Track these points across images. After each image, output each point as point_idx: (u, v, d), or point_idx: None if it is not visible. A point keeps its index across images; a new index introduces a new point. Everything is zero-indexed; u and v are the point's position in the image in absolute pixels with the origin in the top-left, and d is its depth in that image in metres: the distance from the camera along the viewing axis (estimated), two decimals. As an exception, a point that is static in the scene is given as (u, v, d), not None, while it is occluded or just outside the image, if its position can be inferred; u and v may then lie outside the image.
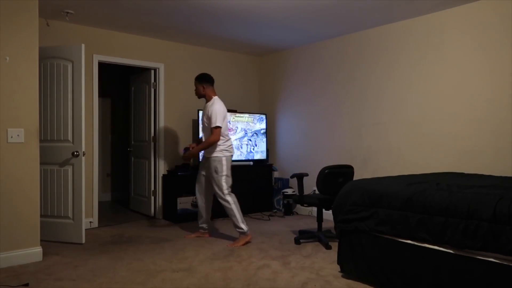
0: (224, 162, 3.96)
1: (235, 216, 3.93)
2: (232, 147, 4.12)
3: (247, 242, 3.97)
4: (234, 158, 5.53)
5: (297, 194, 4.15)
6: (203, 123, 4.14)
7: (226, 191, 3.95)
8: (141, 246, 3.88)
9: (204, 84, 4.10)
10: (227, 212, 3.98)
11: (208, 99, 4.10)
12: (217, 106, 3.97)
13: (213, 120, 3.90)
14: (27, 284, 2.83)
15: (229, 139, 4.09)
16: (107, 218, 5.25)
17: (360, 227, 2.87)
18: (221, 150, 3.97)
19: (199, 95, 4.15)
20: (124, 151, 6.65)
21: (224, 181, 3.94)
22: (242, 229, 3.94)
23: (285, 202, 5.58)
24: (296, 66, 5.80)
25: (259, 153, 5.88)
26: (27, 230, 3.39)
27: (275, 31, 4.93)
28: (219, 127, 3.91)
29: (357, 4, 3.99)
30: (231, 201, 3.95)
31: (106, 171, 6.87)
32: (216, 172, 3.95)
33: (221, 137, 3.95)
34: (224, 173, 3.95)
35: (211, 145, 3.94)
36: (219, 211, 5.27)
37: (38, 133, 3.48)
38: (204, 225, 4.27)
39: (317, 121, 5.47)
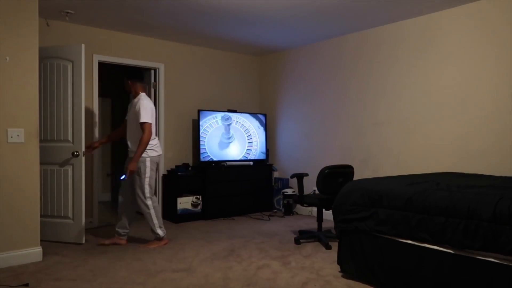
0: (148, 163, 3.78)
1: (152, 221, 3.82)
2: (158, 146, 3.93)
3: (161, 245, 3.89)
4: (233, 158, 5.61)
5: (297, 194, 4.15)
6: (129, 120, 3.94)
7: (148, 195, 3.79)
8: (141, 246, 3.88)
9: (130, 80, 3.95)
10: (145, 216, 3.85)
11: (135, 95, 3.94)
12: (144, 101, 3.80)
13: (141, 115, 3.71)
14: (27, 284, 2.83)
15: (156, 137, 3.92)
16: (107, 218, 5.25)
17: (360, 227, 2.87)
18: (146, 150, 3.76)
19: (128, 89, 4.02)
20: (124, 151, 6.64)
21: (147, 184, 3.78)
22: (158, 234, 3.85)
23: (285, 202, 5.58)
24: (296, 66, 5.79)
25: (259, 153, 5.88)
26: (27, 230, 3.39)
27: (274, 31, 4.93)
28: (149, 123, 3.74)
29: (356, 5, 3.99)
30: (150, 206, 3.80)
31: (106, 171, 6.87)
32: (139, 174, 3.77)
33: None
34: (147, 174, 3.78)
35: (147, 144, 3.73)
36: (218, 211, 5.31)
37: (38, 133, 3.48)
38: (121, 230, 3.95)
39: (317, 121, 5.47)
